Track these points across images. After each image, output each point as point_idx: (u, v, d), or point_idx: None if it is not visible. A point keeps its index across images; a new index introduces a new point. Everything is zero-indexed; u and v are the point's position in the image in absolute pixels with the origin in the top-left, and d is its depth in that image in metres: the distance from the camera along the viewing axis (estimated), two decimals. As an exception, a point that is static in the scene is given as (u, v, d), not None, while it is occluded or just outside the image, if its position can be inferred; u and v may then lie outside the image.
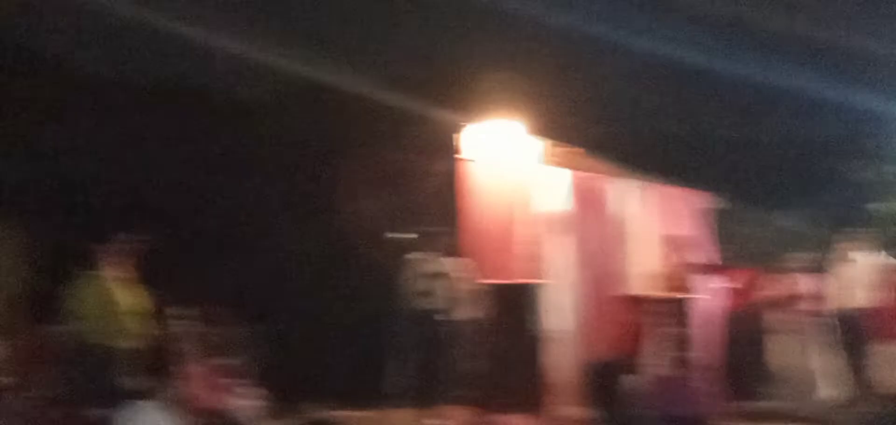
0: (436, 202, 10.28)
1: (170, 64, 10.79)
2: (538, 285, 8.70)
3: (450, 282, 8.96)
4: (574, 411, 8.42)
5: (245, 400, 6.77)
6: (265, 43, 10.64)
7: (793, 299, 9.70)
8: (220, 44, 10.69)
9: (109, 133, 10.41)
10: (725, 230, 11.81)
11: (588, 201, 10.04)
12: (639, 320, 9.34)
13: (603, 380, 4.57)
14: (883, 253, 10.01)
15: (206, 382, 6.19)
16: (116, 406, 4.53)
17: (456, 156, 9.56)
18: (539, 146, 9.77)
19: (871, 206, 12.44)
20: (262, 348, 9.14)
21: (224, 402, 6.36)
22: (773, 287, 9.75)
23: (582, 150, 10.15)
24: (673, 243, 9.92)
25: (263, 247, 9.67)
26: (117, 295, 7.46)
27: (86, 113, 10.58)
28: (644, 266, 10.25)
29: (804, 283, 9.78)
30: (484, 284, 8.72)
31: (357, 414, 9.28)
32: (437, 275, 8.85)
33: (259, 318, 9.25)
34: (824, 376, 9.72)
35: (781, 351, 9.59)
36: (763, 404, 9.64)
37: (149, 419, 4.42)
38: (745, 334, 9.75)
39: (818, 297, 9.84)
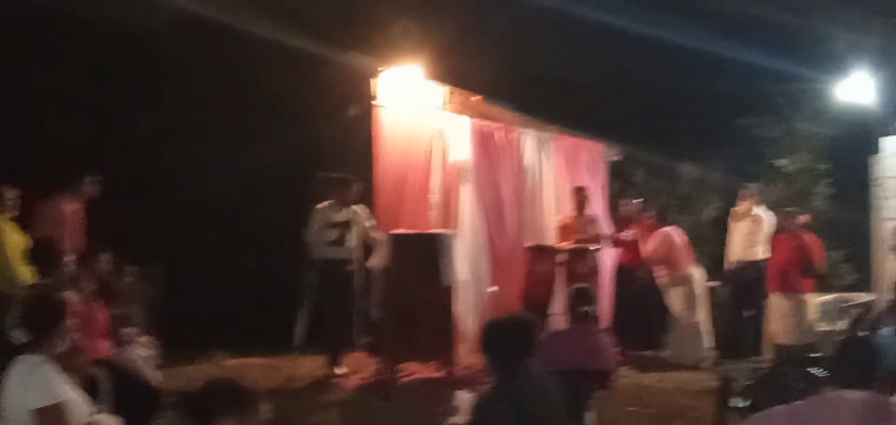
0: (347, 148, 10.15)
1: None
2: (445, 235, 8.68)
3: (358, 230, 8.87)
4: (480, 360, 8.50)
5: (140, 350, 6.59)
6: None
7: (683, 251, 9.88)
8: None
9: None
10: (629, 182, 12.00)
11: (492, 150, 10.07)
12: (544, 270, 9.44)
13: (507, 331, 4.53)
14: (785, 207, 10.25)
15: (99, 332, 5.99)
16: (6, 359, 4.30)
17: (372, 101, 9.42)
18: (442, 93, 9.72)
19: (778, 162, 12.75)
20: (162, 296, 8.97)
21: (118, 353, 6.17)
22: (666, 239, 9.91)
23: (482, 98, 10.13)
24: (577, 194, 10.01)
25: (165, 190, 9.36)
26: (13, 238, 7.17)
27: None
28: (549, 216, 10.36)
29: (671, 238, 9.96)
30: (392, 233, 8.65)
31: (264, 361, 9.19)
32: (346, 224, 8.73)
33: (159, 264, 9.05)
34: (715, 328, 10.00)
35: (673, 303, 9.80)
36: (653, 354, 9.89)
37: (37, 374, 4.21)
38: (638, 285, 9.93)
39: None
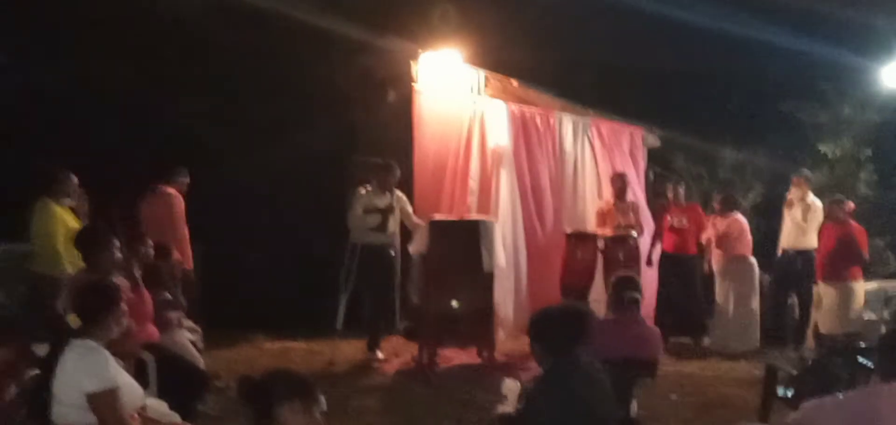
0: (386, 133, 10.14)
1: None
2: (485, 221, 8.67)
3: (398, 216, 8.88)
4: (519, 346, 8.51)
5: (185, 334, 6.66)
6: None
7: (733, 238, 9.77)
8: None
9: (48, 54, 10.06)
10: (669, 167, 11.87)
11: (531, 135, 10.02)
12: (584, 257, 9.39)
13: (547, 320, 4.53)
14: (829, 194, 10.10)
15: (147, 316, 6.06)
16: (59, 342, 4.37)
17: (412, 84, 9.43)
18: (480, 78, 9.69)
19: (822, 147, 12.57)
20: (203, 280, 9.06)
21: (164, 337, 6.24)
22: (714, 226, 9.82)
23: (521, 82, 10.08)
24: (617, 180, 9.94)
25: (206, 175, 9.40)
26: (68, 225, 7.28)
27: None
28: (588, 202, 10.30)
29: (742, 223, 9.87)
30: (433, 220, 8.66)
31: (304, 345, 9.26)
32: (388, 209, 8.76)
33: (200, 249, 9.14)
34: (763, 316, 9.89)
35: (727, 290, 9.71)
36: (694, 342, 9.81)
37: (92, 359, 4.27)
38: (685, 273, 9.84)
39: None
